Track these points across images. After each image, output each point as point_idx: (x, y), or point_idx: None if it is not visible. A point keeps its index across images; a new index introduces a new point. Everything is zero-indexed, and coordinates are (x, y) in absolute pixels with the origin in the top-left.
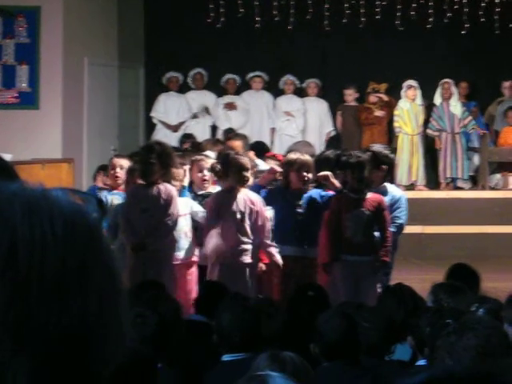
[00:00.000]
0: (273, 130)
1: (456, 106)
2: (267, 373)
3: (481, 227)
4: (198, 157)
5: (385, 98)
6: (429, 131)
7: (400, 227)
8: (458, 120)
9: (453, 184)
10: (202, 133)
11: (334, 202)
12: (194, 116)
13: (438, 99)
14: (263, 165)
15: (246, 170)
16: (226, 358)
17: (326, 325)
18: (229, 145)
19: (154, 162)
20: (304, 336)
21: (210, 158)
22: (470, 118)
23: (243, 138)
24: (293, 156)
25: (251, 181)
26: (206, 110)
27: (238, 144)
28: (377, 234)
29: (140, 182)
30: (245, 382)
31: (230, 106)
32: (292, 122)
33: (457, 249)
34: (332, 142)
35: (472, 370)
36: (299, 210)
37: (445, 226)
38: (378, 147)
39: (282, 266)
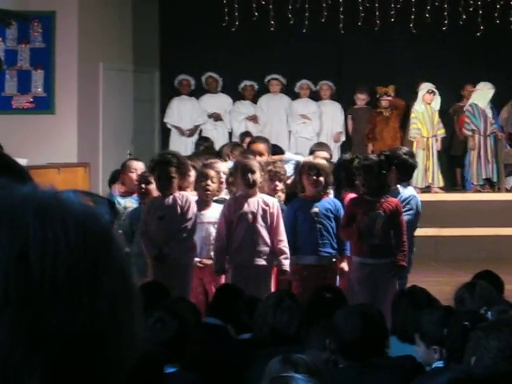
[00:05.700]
0: (289, 133)
1: (487, 107)
2: (291, 375)
3: (497, 229)
4: (212, 161)
5: (393, 99)
6: (464, 131)
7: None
8: (489, 121)
9: (465, 185)
10: (221, 139)
11: (349, 205)
12: (211, 116)
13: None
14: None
15: (252, 172)
16: None
17: (342, 322)
18: (252, 148)
19: (173, 175)
20: (323, 337)
21: (219, 165)
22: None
23: (266, 141)
24: (302, 160)
25: (281, 186)
26: (216, 117)
27: (262, 147)
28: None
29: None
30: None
31: (254, 120)
32: (308, 124)
33: (473, 251)
34: (344, 146)
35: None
36: (315, 218)
37: (461, 228)
38: (390, 149)
39: (289, 273)
